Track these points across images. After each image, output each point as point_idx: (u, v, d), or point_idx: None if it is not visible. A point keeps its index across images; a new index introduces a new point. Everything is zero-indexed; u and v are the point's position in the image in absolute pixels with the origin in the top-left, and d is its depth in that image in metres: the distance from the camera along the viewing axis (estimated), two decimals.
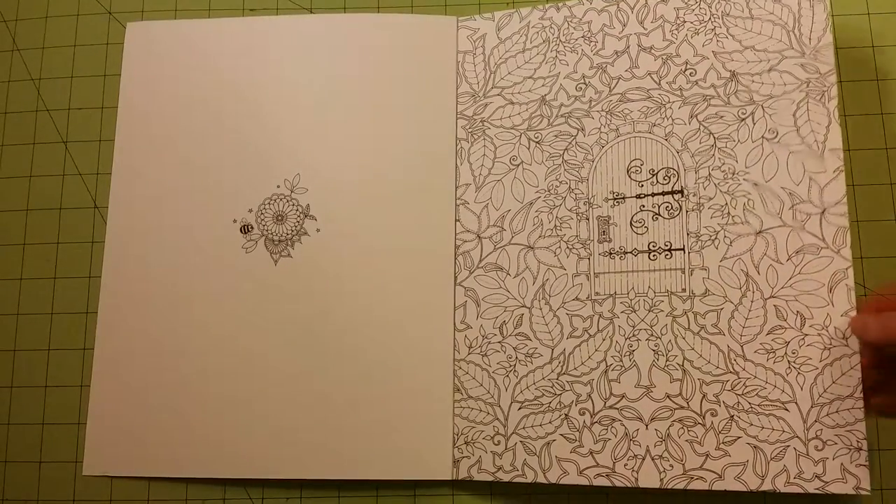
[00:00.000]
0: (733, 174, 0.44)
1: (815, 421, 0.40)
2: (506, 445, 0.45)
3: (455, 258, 0.49)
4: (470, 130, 0.50)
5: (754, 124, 0.44)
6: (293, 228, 0.50)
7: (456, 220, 0.49)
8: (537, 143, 0.48)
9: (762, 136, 0.44)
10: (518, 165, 0.48)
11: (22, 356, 0.51)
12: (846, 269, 0.41)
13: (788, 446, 0.41)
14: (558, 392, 0.45)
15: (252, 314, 0.49)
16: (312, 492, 0.48)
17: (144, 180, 0.51)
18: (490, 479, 0.45)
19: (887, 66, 0.51)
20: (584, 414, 0.44)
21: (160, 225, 0.51)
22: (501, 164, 0.49)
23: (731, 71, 0.45)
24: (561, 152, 0.48)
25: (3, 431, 0.50)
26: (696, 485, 0.42)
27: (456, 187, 0.49)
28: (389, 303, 0.48)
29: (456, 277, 0.48)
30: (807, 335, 0.41)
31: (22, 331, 0.51)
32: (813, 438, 0.40)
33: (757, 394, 0.42)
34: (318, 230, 0.50)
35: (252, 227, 0.50)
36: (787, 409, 0.41)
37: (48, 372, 0.50)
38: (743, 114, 0.45)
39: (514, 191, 0.48)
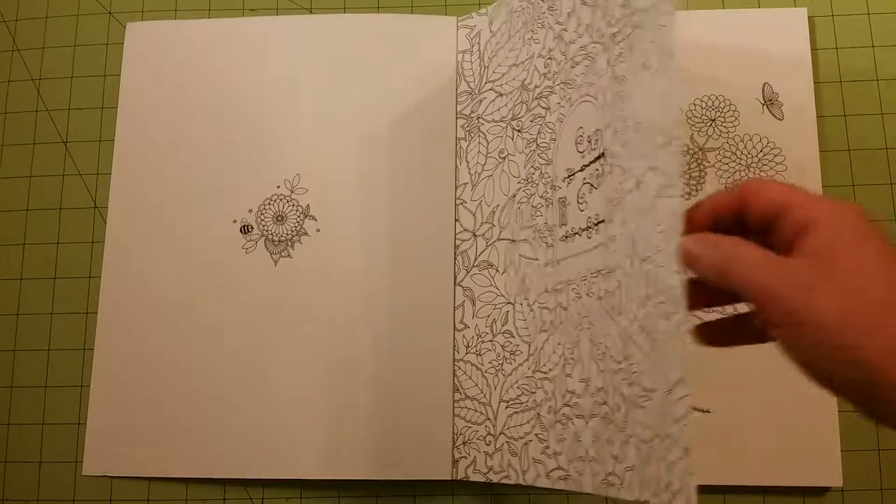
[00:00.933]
0: (625, 120, 0.35)
1: (666, 413, 0.30)
2: (495, 446, 0.45)
3: (455, 258, 0.49)
4: (468, 129, 0.50)
5: (636, 51, 0.34)
6: (293, 229, 0.50)
7: (456, 220, 0.49)
8: (518, 131, 0.47)
9: (640, 64, 0.34)
10: (504, 158, 0.48)
11: (22, 356, 0.51)
12: (678, 209, 0.29)
13: (652, 446, 0.31)
14: (533, 390, 0.43)
15: (252, 314, 0.49)
16: (312, 492, 0.48)
17: (144, 180, 0.51)
18: (483, 479, 0.45)
19: (887, 66, 0.51)
20: (550, 412, 0.41)
21: (160, 225, 0.51)
22: (492, 159, 0.48)
23: None
24: (535, 137, 0.45)
25: (4, 431, 0.50)
26: (610, 492, 0.35)
27: (456, 187, 0.49)
28: (389, 303, 0.48)
29: (455, 277, 0.48)
30: (660, 303, 0.30)
31: (22, 331, 0.51)
32: (665, 437, 0.30)
33: (637, 381, 0.33)
34: (318, 230, 0.50)
35: (252, 228, 0.50)
36: (651, 399, 0.31)
37: (48, 372, 0.50)
38: (631, 42, 0.35)
39: (501, 185, 0.47)
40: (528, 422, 0.43)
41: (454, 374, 0.47)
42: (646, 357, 0.32)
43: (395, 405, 0.47)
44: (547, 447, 0.41)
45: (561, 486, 0.40)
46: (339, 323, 0.48)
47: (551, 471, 0.41)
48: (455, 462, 0.46)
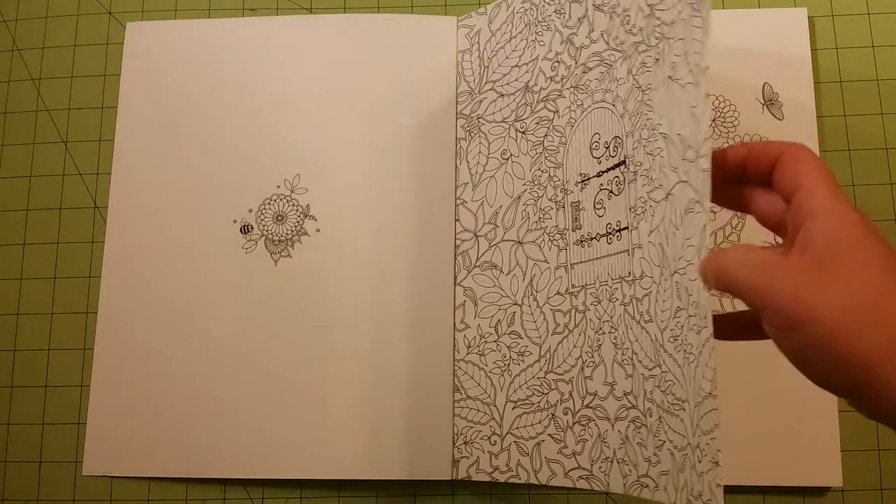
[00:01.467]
0: (652, 130, 0.35)
1: (696, 424, 0.31)
2: (501, 445, 0.45)
3: (455, 258, 0.49)
4: (468, 129, 0.50)
5: (664, 63, 0.34)
6: (293, 228, 0.50)
7: (456, 220, 0.49)
8: (523, 133, 0.47)
9: (667, 76, 0.34)
10: (507, 159, 0.47)
11: (22, 356, 0.51)
12: (704, 225, 0.30)
13: (686, 454, 0.32)
14: (546, 391, 0.44)
15: (252, 314, 0.49)
16: (312, 492, 0.48)
17: (144, 180, 0.51)
18: (487, 479, 0.45)
19: (887, 66, 0.51)
20: (567, 413, 0.42)
21: (160, 225, 0.51)
22: (494, 160, 0.48)
23: (650, 5, 0.36)
24: (542, 139, 0.45)
25: (4, 431, 0.50)
26: (644, 493, 0.36)
27: (456, 187, 0.49)
28: (389, 303, 0.48)
29: (456, 277, 0.48)
30: (690, 316, 0.31)
31: (22, 331, 0.51)
32: (696, 447, 0.31)
33: (671, 390, 0.34)
34: (318, 230, 0.50)
35: (252, 228, 0.50)
36: (684, 409, 0.32)
37: (48, 372, 0.50)
38: (658, 54, 0.35)
39: (504, 186, 0.47)
40: (539, 422, 0.43)
41: (455, 374, 0.47)
42: (678, 368, 0.33)
43: (395, 405, 0.47)
44: (564, 447, 0.42)
45: (583, 485, 0.41)
46: (338, 323, 0.48)
47: (570, 470, 0.41)
48: (455, 462, 0.46)
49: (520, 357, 0.45)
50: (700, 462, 0.30)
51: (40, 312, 0.51)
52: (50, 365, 0.50)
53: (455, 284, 0.48)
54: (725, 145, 0.49)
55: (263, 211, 0.50)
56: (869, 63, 0.51)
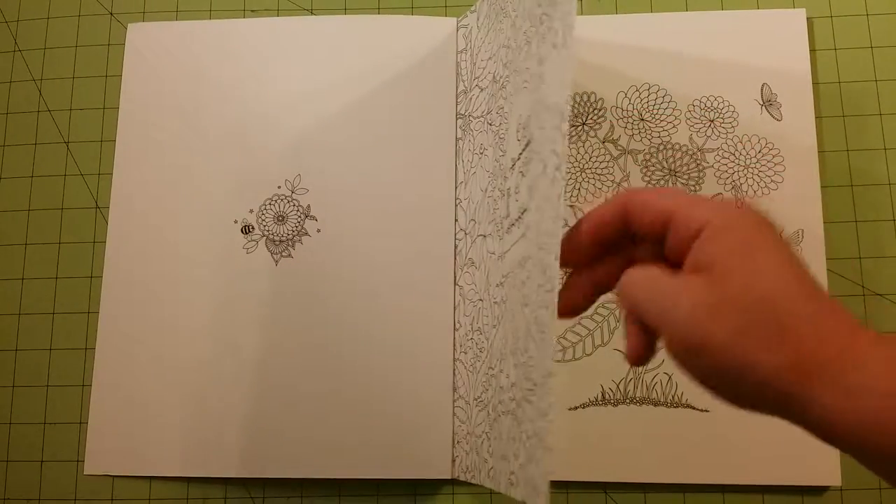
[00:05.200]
0: (541, 103, 0.33)
1: (539, 409, 0.29)
2: (470, 444, 0.44)
3: (455, 258, 0.49)
4: (464, 128, 0.50)
5: (552, 30, 0.33)
6: (294, 229, 0.50)
7: (455, 220, 0.49)
8: (490, 125, 0.45)
9: (552, 44, 0.32)
10: (482, 154, 0.46)
11: (24, 356, 0.51)
12: (558, 194, 0.28)
13: (533, 442, 0.30)
14: (487, 388, 0.42)
15: (253, 314, 0.49)
16: (313, 491, 0.49)
17: (145, 181, 0.51)
18: (465, 478, 0.44)
19: (886, 66, 0.51)
20: (494, 410, 0.39)
21: (161, 225, 0.51)
22: (476, 156, 0.48)
23: None
24: (498, 129, 0.43)
25: (5, 431, 0.50)
26: (512, 491, 0.33)
27: (455, 186, 0.50)
28: (390, 303, 0.48)
29: (455, 277, 0.49)
30: (547, 292, 0.29)
31: (24, 331, 0.51)
32: (534, 434, 0.29)
33: (530, 375, 0.31)
34: (318, 230, 0.50)
35: (253, 228, 0.50)
36: (535, 393, 0.30)
37: (50, 371, 0.51)
38: (551, 21, 0.33)
39: (479, 180, 0.46)
40: (483, 421, 0.41)
41: (454, 374, 0.47)
42: (536, 349, 0.30)
43: (396, 404, 0.47)
44: (490, 446, 0.40)
45: (491, 485, 0.38)
46: (339, 322, 0.48)
47: (489, 469, 0.39)
48: (453, 461, 0.46)
49: (480, 353, 0.43)
50: (539, 450, 0.28)
51: (42, 312, 0.51)
52: (51, 365, 0.51)
53: (455, 284, 0.48)
54: (725, 146, 0.49)
55: (264, 211, 0.50)
56: (867, 64, 0.51)
